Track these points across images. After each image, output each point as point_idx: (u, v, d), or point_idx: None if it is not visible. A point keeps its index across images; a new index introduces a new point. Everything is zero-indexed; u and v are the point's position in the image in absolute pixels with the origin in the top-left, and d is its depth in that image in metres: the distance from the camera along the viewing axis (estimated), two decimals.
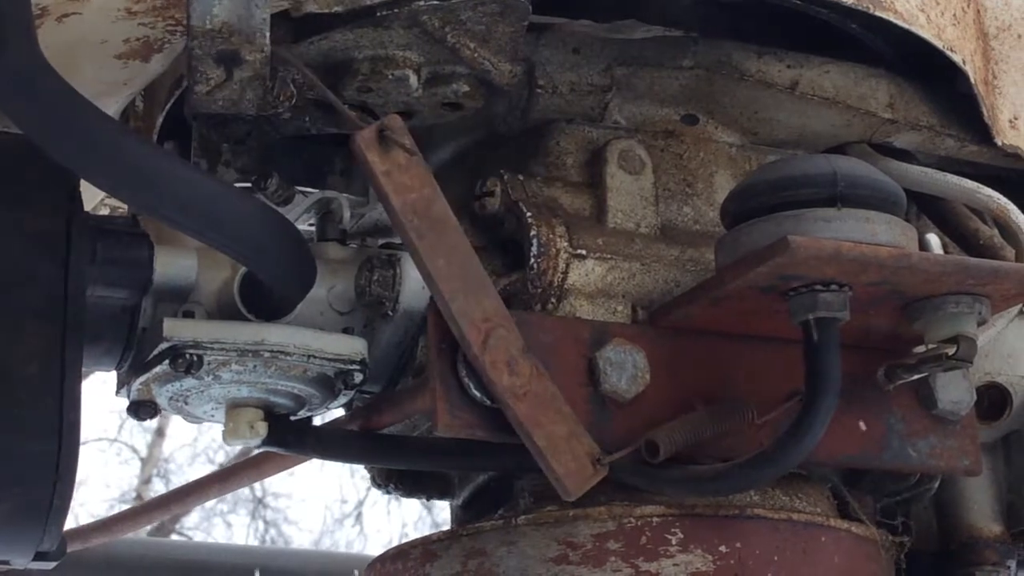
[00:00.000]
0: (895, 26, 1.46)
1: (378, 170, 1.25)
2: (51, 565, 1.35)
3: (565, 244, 1.38)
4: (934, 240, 1.59)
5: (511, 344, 1.28)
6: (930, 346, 1.34)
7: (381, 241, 1.60)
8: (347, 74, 1.37)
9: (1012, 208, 1.54)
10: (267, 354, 1.34)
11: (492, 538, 1.35)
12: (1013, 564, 1.62)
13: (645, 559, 1.31)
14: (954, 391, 1.43)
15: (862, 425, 1.41)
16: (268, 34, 1.28)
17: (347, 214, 1.50)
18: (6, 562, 1.34)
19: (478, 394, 1.28)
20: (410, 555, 1.41)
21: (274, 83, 1.35)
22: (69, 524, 1.90)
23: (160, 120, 1.52)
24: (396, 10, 1.33)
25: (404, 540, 1.49)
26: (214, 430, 1.47)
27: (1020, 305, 1.52)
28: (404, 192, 1.26)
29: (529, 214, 1.37)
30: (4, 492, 1.25)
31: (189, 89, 1.34)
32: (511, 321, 1.28)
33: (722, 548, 1.32)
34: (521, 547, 1.33)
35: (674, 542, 1.31)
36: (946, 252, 1.61)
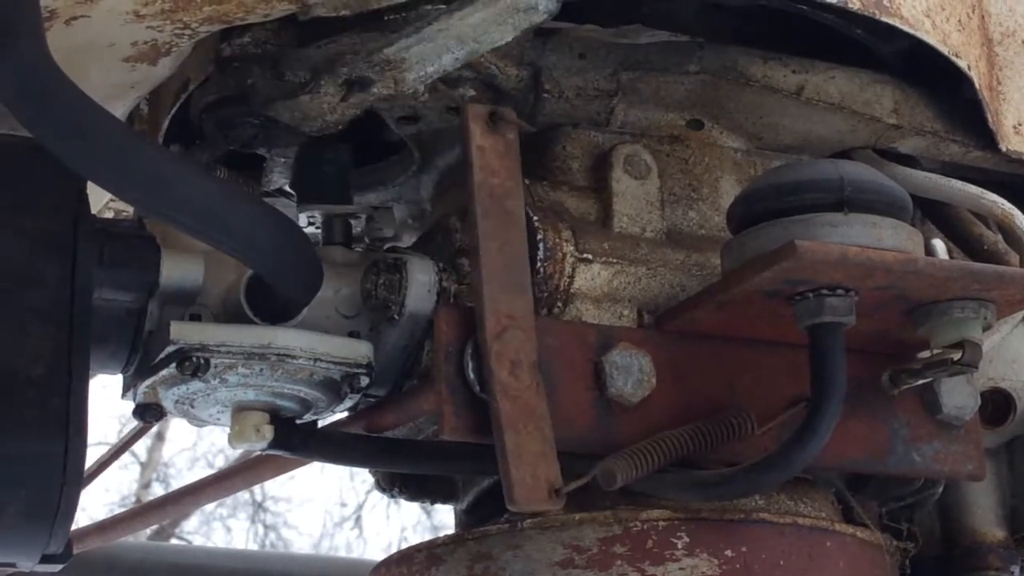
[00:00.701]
0: (900, 31, 1.46)
1: (474, 141, 1.28)
2: (57, 568, 1.35)
3: (571, 248, 1.38)
4: (940, 245, 1.59)
5: (523, 348, 1.28)
6: (935, 351, 1.34)
7: (387, 245, 1.61)
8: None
9: (1016, 213, 1.54)
10: (273, 357, 1.34)
11: (498, 542, 1.35)
12: (1016, 569, 1.62)
13: (651, 563, 1.31)
14: (958, 396, 1.43)
15: (867, 430, 1.41)
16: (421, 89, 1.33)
17: (397, 217, 1.51)
18: (12, 564, 1.34)
19: (478, 388, 1.28)
20: (415, 559, 1.41)
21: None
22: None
23: (166, 123, 1.52)
24: (403, 14, 1.33)
25: (403, 544, 1.49)
26: (213, 434, 1.47)
27: None
28: (489, 173, 1.28)
29: (535, 218, 1.37)
30: (11, 494, 1.25)
31: (293, 99, 1.35)
32: (533, 331, 1.28)
33: (728, 552, 1.32)
34: (527, 551, 1.33)
35: (680, 546, 1.31)
36: (951, 257, 1.61)
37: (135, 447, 9.88)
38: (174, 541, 8.65)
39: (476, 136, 1.28)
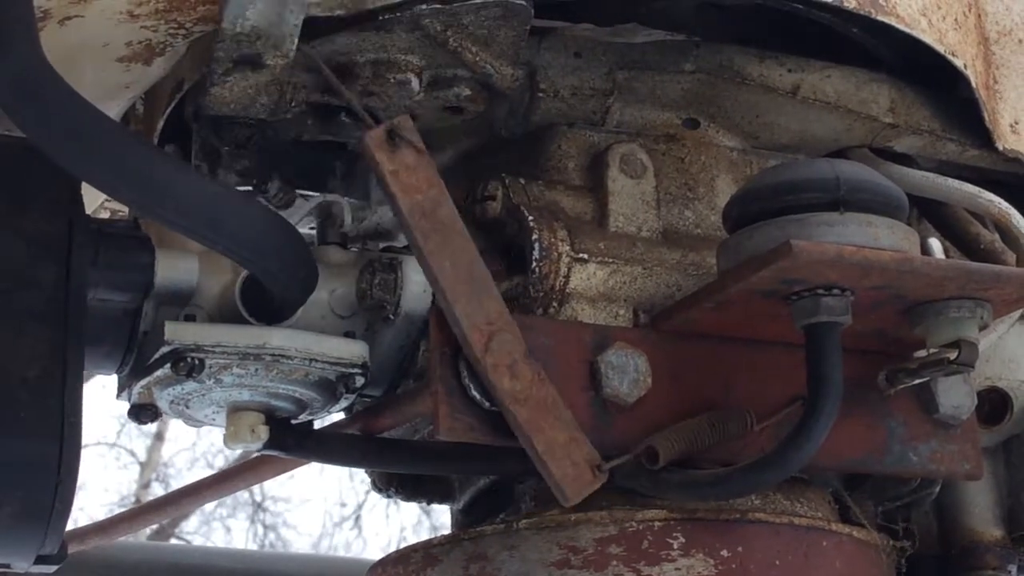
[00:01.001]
0: (897, 30, 1.46)
1: (386, 169, 1.25)
2: (52, 568, 1.35)
3: (567, 248, 1.37)
4: (936, 244, 1.59)
5: (513, 348, 1.27)
6: (931, 350, 1.34)
7: (382, 245, 1.60)
8: (349, 77, 1.37)
9: (1013, 212, 1.54)
10: (268, 358, 1.34)
11: (494, 542, 1.35)
12: (1014, 569, 1.62)
13: (647, 563, 1.30)
14: (955, 395, 1.43)
15: (863, 429, 1.41)
16: (296, 41, 1.28)
17: (348, 218, 1.50)
18: (7, 566, 1.34)
19: (479, 396, 1.28)
20: (411, 559, 1.41)
21: (288, 88, 1.35)
22: (68, 527, 1.90)
23: (161, 123, 1.51)
24: (398, 14, 1.33)
25: (402, 543, 1.48)
26: (213, 434, 1.47)
27: (1021, 310, 1.52)
28: (411, 192, 1.26)
29: (531, 218, 1.37)
30: (5, 495, 1.25)
31: (202, 89, 1.34)
32: (514, 325, 1.28)
33: (724, 552, 1.32)
34: (523, 551, 1.33)
35: (676, 546, 1.31)
36: (948, 256, 1.61)
37: (135, 447, 9.89)
38: (174, 541, 8.66)
39: (384, 162, 1.25)
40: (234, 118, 1.39)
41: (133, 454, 9.96)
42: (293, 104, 1.35)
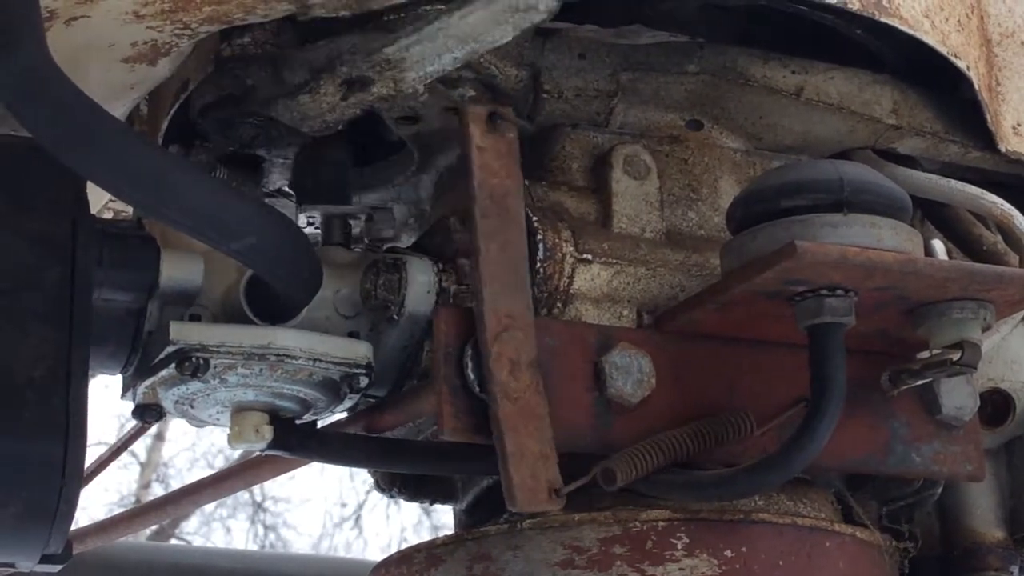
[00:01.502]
0: (900, 32, 1.46)
1: (475, 142, 1.27)
2: (57, 568, 1.35)
3: (571, 249, 1.38)
4: (939, 246, 1.59)
5: (522, 349, 1.28)
6: (934, 351, 1.34)
7: (387, 245, 1.60)
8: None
9: (1016, 214, 1.54)
10: (273, 358, 1.34)
11: (497, 542, 1.35)
12: (1016, 570, 1.62)
13: (651, 563, 1.31)
14: (958, 396, 1.43)
15: (866, 430, 1.41)
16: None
17: (398, 218, 1.51)
18: (12, 564, 1.34)
19: (477, 388, 1.28)
20: (414, 560, 1.41)
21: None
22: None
23: (165, 124, 1.52)
24: (402, 14, 1.33)
25: (403, 544, 1.49)
26: (213, 435, 1.47)
27: None
28: (489, 173, 1.28)
29: (535, 219, 1.37)
30: (10, 495, 1.25)
31: (293, 99, 1.35)
32: (532, 330, 1.28)
33: (727, 553, 1.32)
34: (526, 551, 1.33)
35: (679, 547, 1.31)
36: (950, 258, 1.61)
37: (135, 447, 9.88)
38: (174, 541, 8.66)
39: (476, 137, 1.28)
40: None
41: (133, 454, 9.96)
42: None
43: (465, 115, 1.28)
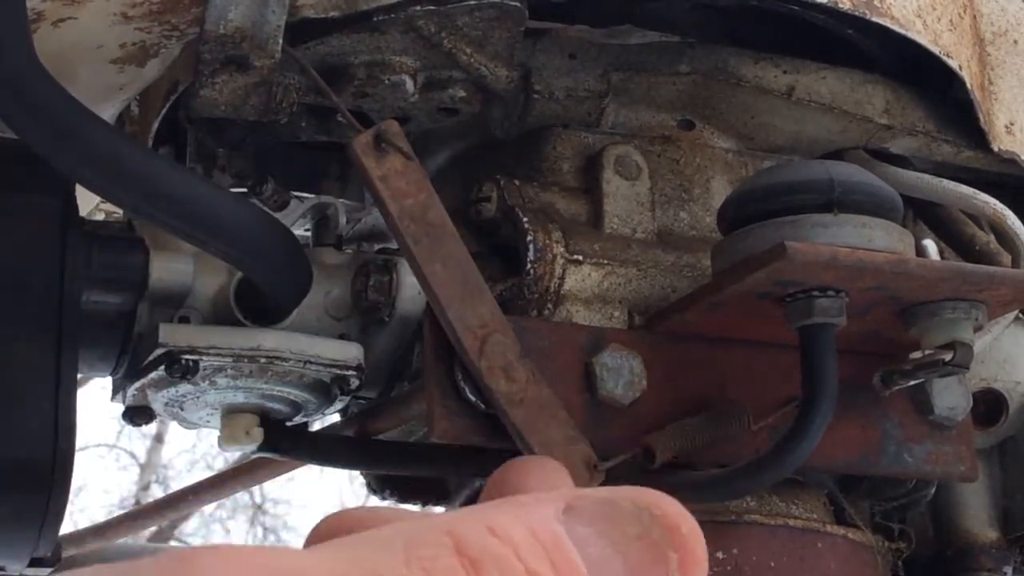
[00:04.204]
0: (892, 32, 1.45)
1: (374, 175, 1.24)
2: (46, 571, 1.35)
3: (561, 249, 1.37)
4: (931, 246, 1.59)
5: (508, 350, 1.27)
6: (926, 352, 1.34)
7: (377, 247, 1.60)
8: (343, 79, 1.37)
9: (1008, 214, 1.54)
10: (263, 360, 1.34)
11: None
12: (1009, 570, 1.62)
13: None
14: (950, 397, 1.43)
15: (858, 430, 1.41)
16: (280, 41, 1.28)
17: (343, 219, 1.50)
18: (1, 568, 1.34)
19: (474, 399, 1.28)
20: None
21: (278, 89, 1.35)
22: (68, 529, 1.90)
23: (155, 125, 1.51)
24: (392, 15, 1.33)
25: None
26: (213, 436, 1.47)
27: (1016, 311, 1.52)
28: (400, 197, 1.25)
29: (525, 219, 1.37)
30: None
31: (192, 92, 1.34)
32: (508, 327, 1.28)
33: (719, 554, 1.32)
34: None
35: None
36: (943, 258, 1.61)
37: (134, 449, 9.88)
38: (173, 543, 8.65)
39: (372, 169, 1.25)
40: (227, 120, 1.39)
41: (133, 456, 9.96)
42: (284, 105, 1.35)
43: (353, 152, 1.24)
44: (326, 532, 0.48)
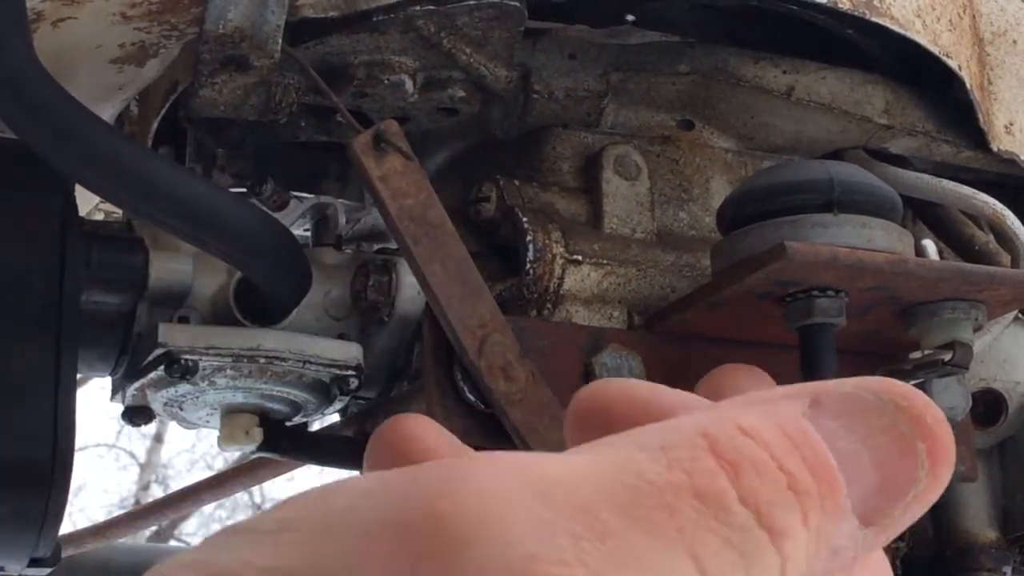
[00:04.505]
0: (891, 32, 1.45)
1: (373, 175, 1.24)
2: (46, 572, 1.35)
3: (561, 249, 1.37)
4: (930, 246, 1.58)
5: (507, 350, 1.27)
6: (926, 352, 1.34)
7: (377, 247, 1.60)
8: (343, 79, 1.37)
9: (1008, 214, 1.54)
10: (262, 360, 1.34)
11: None
12: (1008, 570, 1.62)
13: None
14: (950, 397, 1.42)
15: None
16: (280, 41, 1.28)
17: (342, 219, 1.50)
18: (1, 568, 1.34)
19: (473, 399, 1.28)
20: None
21: (278, 89, 1.35)
22: (67, 529, 1.90)
23: (155, 125, 1.51)
24: (392, 15, 1.33)
25: None
26: (212, 436, 1.47)
27: (1016, 311, 1.52)
28: (400, 197, 1.25)
29: (525, 219, 1.37)
30: None
31: (191, 92, 1.34)
32: (507, 327, 1.28)
33: None
34: None
35: None
36: (942, 258, 1.61)
37: (134, 448, 9.88)
38: (173, 543, 8.65)
39: (372, 169, 1.25)
40: (226, 120, 1.39)
41: (132, 455, 9.96)
42: (284, 105, 1.35)
43: (353, 153, 1.24)
44: (586, 410, 0.50)
